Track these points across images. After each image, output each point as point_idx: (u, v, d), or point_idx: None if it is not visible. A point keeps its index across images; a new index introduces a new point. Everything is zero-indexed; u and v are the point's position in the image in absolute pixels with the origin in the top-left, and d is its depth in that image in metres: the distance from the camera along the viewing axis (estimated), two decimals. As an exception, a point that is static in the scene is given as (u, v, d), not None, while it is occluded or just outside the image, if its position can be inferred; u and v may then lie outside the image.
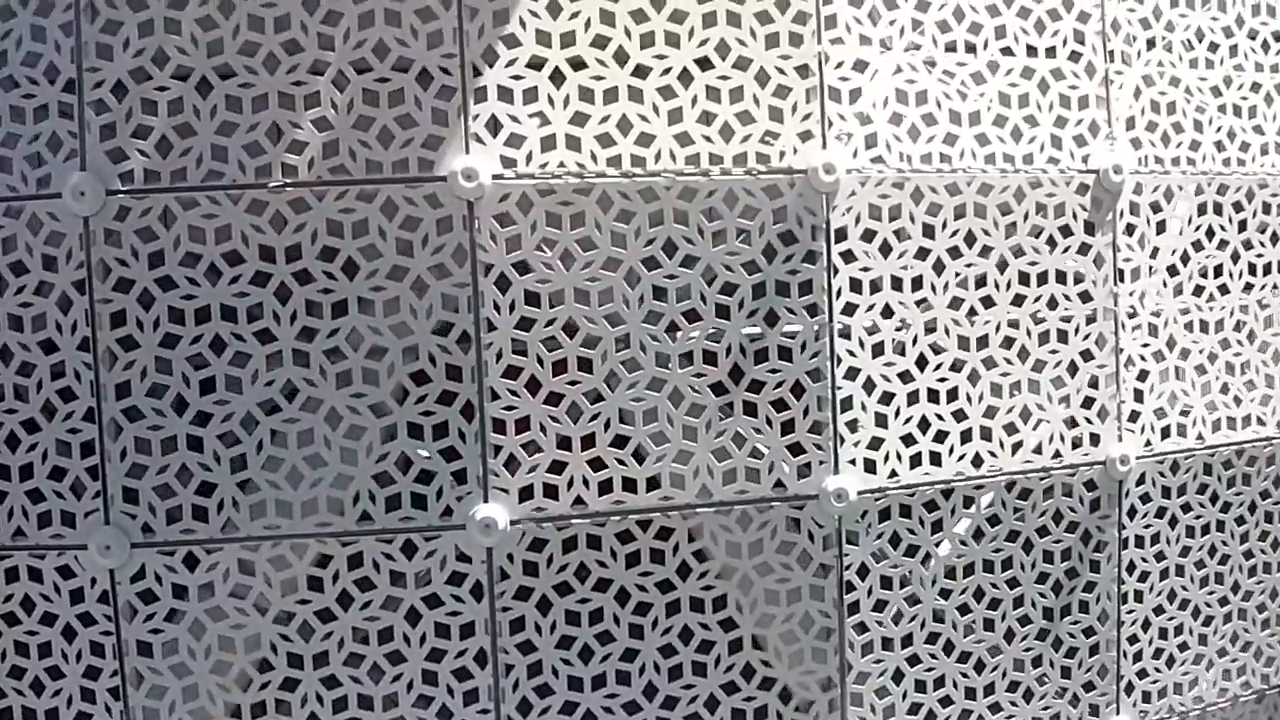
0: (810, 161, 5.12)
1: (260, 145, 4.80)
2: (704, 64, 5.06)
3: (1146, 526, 5.80)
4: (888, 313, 5.29)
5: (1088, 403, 5.65)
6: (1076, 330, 5.60)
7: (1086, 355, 5.63)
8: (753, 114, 5.09)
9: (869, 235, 5.23)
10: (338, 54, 4.83)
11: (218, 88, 4.79)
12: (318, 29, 4.82)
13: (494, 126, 4.91)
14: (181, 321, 4.80)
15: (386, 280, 4.87)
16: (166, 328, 4.80)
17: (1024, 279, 5.50)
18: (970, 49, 5.42)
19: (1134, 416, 5.72)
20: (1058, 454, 5.57)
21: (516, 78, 4.92)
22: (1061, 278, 5.56)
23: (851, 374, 5.22)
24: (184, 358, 4.82)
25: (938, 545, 5.42)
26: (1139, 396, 5.73)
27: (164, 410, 4.82)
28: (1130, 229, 5.69)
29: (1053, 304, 5.57)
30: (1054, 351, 5.56)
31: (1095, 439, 5.63)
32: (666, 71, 5.03)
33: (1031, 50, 5.52)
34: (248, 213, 4.80)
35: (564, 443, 5.00)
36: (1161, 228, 5.78)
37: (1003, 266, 5.46)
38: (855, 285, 5.22)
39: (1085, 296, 5.61)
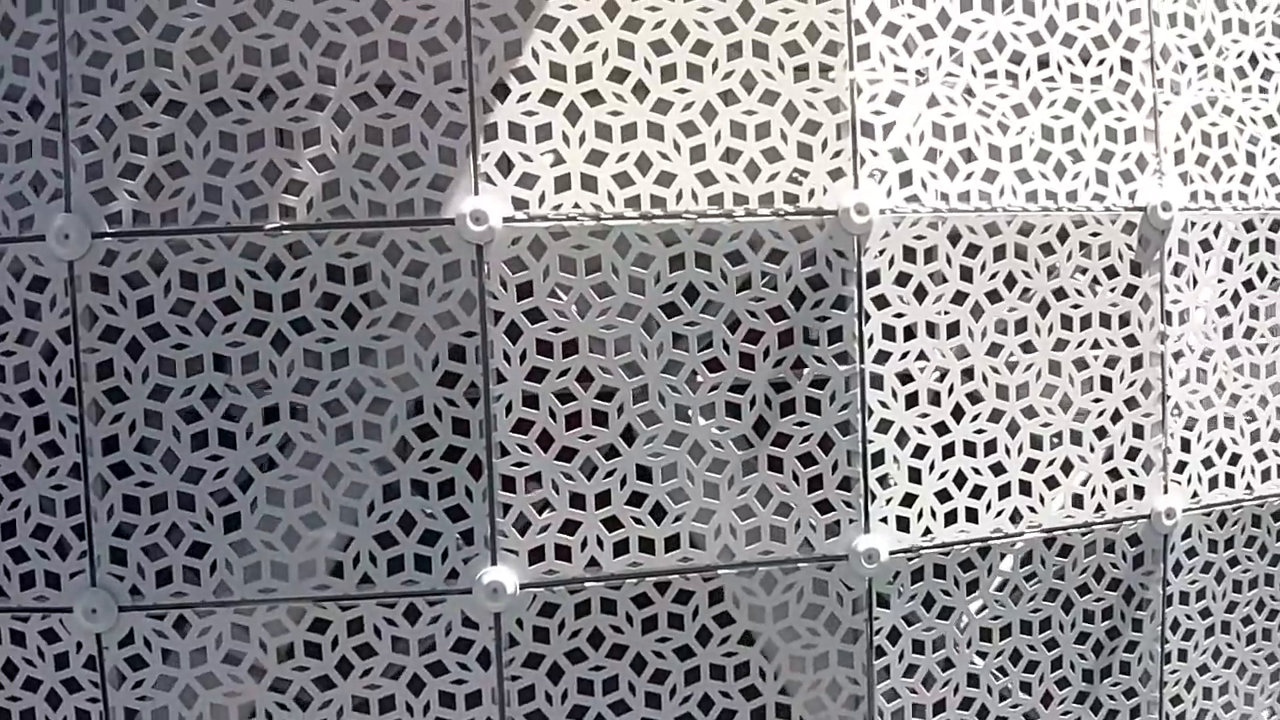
0: (841, 201, 4.81)
1: (256, 185, 4.51)
2: (728, 98, 4.75)
3: (1192, 582, 5.50)
4: (922, 361, 4.98)
5: (1132, 453, 5.33)
6: (1121, 376, 5.29)
7: (1131, 403, 5.32)
8: (780, 151, 4.78)
9: (903, 279, 4.93)
10: (339, 88, 4.53)
11: (211, 124, 4.50)
12: (318, 61, 4.53)
13: (505, 166, 4.61)
14: (172, 372, 4.52)
15: (390, 329, 4.57)
16: (156, 379, 4.51)
17: (1066, 323, 5.19)
18: (1012, 79, 5.10)
19: (1180, 467, 5.40)
20: (1100, 508, 5.26)
21: (529, 114, 4.62)
22: (1106, 321, 5.25)
23: (884, 426, 4.91)
24: (175, 411, 4.53)
25: (973, 606, 5.12)
26: (1185, 446, 5.42)
27: (153, 466, 4.54)
28: (1178, 269, 5.37)
29: (1096, 349, 5.25)
30: (1097, 400, 5.25)
31: (1140, 491, 5.32)
32: (689, 106, 4.72)
33: (1076, 80, 5.20)
34: (243, 257, 4.51)
35: (577, 501, 4.70)
36: (1211, 266, 5.47)
37: (1044, 310, 5.15)
38: (888, 332, 4.91)
39: (1131, 341, 5.29)
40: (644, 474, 4.74)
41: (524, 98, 4.62)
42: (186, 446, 4.53)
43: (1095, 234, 5.22)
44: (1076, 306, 5.20)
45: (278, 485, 4.58)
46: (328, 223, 4.53)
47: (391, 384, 4.57)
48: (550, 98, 4.64)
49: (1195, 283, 5.41)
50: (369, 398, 4.57)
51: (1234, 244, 5.48)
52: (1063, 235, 5.17)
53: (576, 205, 4.65)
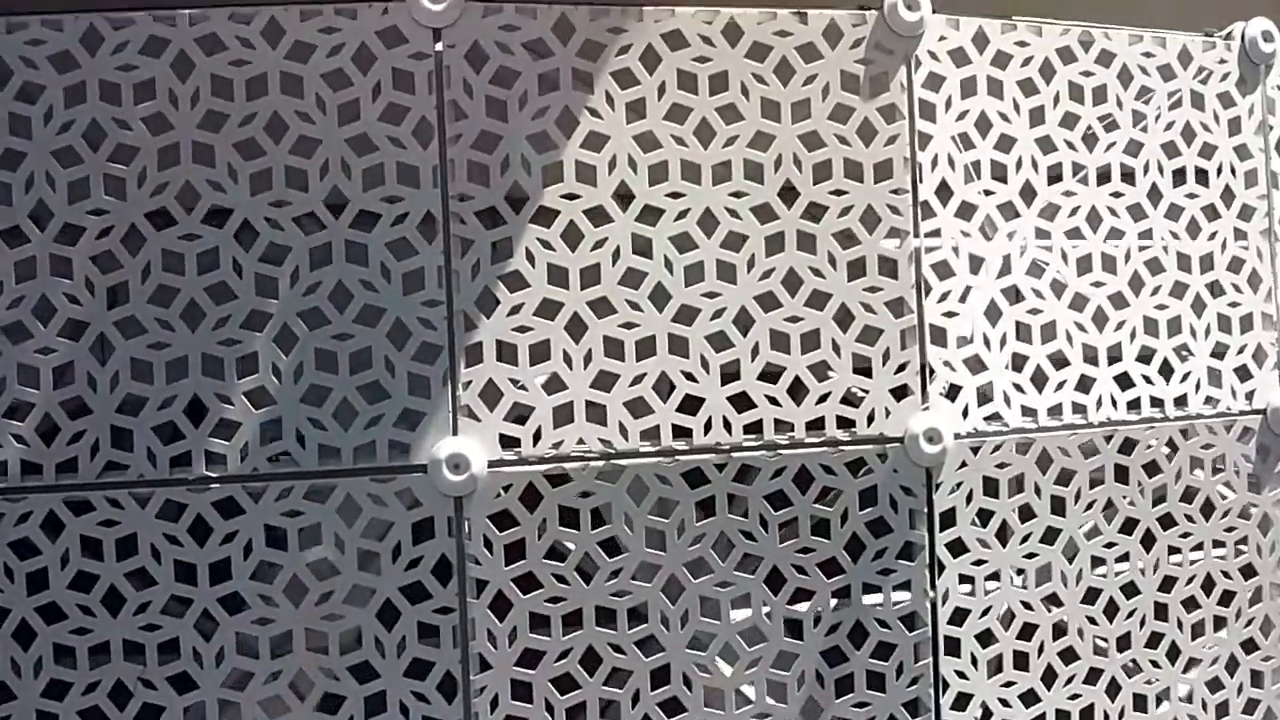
0: (908, 426, 3.89)
1: (177, 427, 3.58)
2: (768, 302, 3.84)
3: None
4: (1007, 617, 4.05)
5: (1250, 706, 4.40)
6: (1238, 615, 4.36)
7: (1249, 646, 4.39)
8: (832, 365, 3.87)
9: (984, 516, 4.00)
10: (282, 301, 3.61)
11: (121, 348, 3.58)
12: (255, 268, 3.61)
13: (492, 395, 3.68)
14: (73, 663, 3.57)
15: (344, 605, 3.63)
16: (52, 671, 3.57)
17: (1174, 554, 4.27)
18: (1109, 265, 4.19)
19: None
20: (1223, 776, 4.34)
21: (522, 329, 3.70)
22: (1219, 549, 4.33)
23: (961, 702, 3.97)
24: (75, 711, 3.58)
25: None
26: (1310, 691, 4.50)
27: (47, 778, 3.59)
28: (1304, 483, 4.46)
29: (1209, 586, 4.33)
30: (1211, 646, 4.33)
31: (1260, 758, 4.41)
32: (719, 314, 3.80)
33: (1183, 260, 4.29)
34: (159, 518, 3.57)
35: (583, 809, 3.76)
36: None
37: (1149, 542, 4.23)
38: (965, 583, 3.98)
39: (1248, 571, 4.37)
40: (665, 776, 3.81)
41: (516, 310, 3.70)
42: (88, 757, 3.59)
43: (1207, 446, 4.30)
44: (1186, 535, 4.28)
45: (205, 802, 3.63)
46: (266, 473, 3.60)
47: (346, 676, 3.63)
48: (548, 309, 3.72)
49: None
50: (318, 694, 3.62)
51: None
52: (1170, 450, 4.26)
53: (580, 441, 3.72)
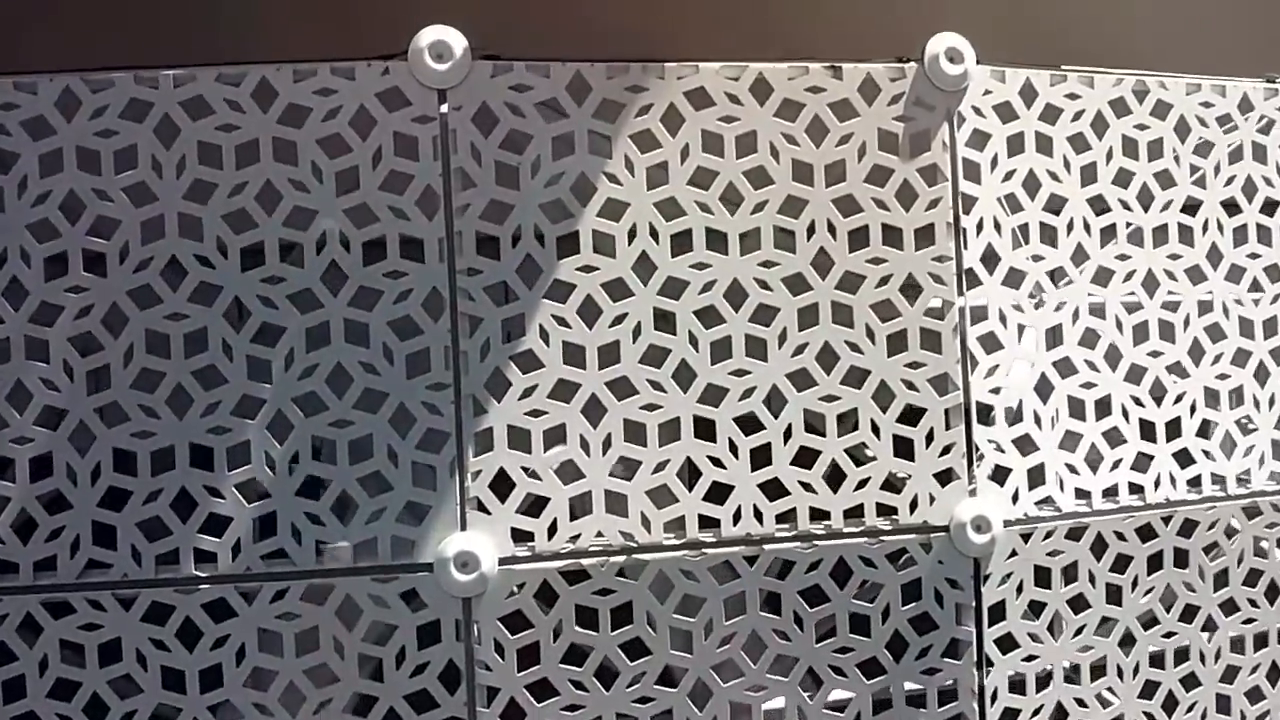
0: (954, 513, 3.60)
1: (163, 523, 3.31)
2: (801, 380, 3.55)
3: None
4: (1059, 716, 3.75)
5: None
6: (1308, 710, 4.07)
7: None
8: (870, 449, 3.58)
9: (1035, 609, 3.71)
10: (277, 387, 3.34)
11: (102, 437, 3.31)
12: (246, 349, 3.34)
13: (503, 486, 3.40)
14: (51, 783, 3.31)
15: (345, 715, 3.35)
16: (29, 794, 3.31)
17: (1237, 646, 3.97)
18: (1167, 333, 3.89)
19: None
20: None
21: (535, 413, 3.42)
22: (1287, 635, 4.05)
23: (1013, 813, 3.69)
24: (53, 833, 3.32)
25: None
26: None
27: None
28: (1376, 561, 4.15)
29: (1275, 676, 4.03)
30: (1283, 754, 4.04)
31: None
32: (748, 394, 3.52)
33: (1246, 326, 4.00)
34: (145, 621, 3.29)
35: None
36: None
37: (1209, 628, 3.93)
38: (1017, 685, 3.68)
39: (1319, 658, 4.07)
40: None
41: (529, 392, 3.42)
42: None
43: (1273, 525, 4.00)
44: (1250, 621, 3.98)
45: None
46: (260, 573, 3.32)
47: (345, 801, 3.35)
48: (564, 390, 3.44)
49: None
50: (313, 819, 3.35)
51: None
52: (1230, 532, 3.96)
53: (599, 535, 3.44)
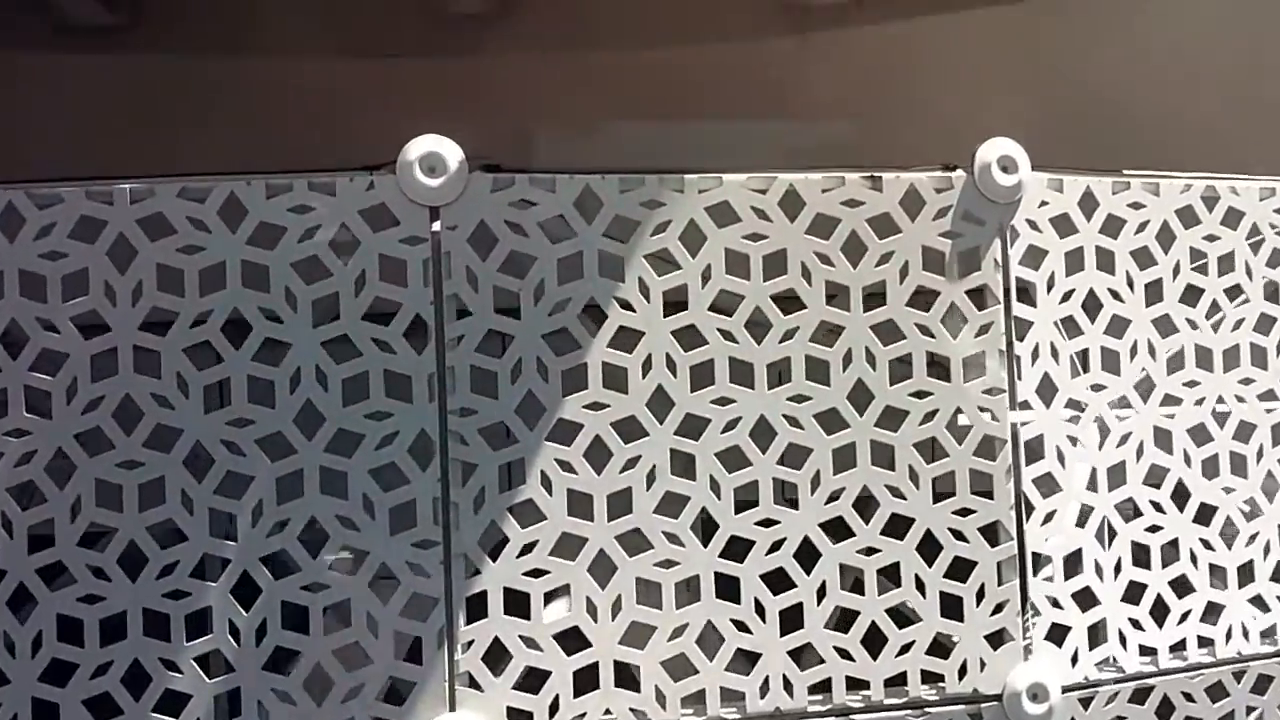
0: (1007, 681, 3.20)
1: (113, 700, 2.90)
2: (837, 531, 3.16)
3: None
4: None
5: None
6: None
7: None
8: (915, 607, 3.18)
9: (1095, 783, 3.32)
10: (243, 544, 2.93)
11: (45, 602, 2.90)
12: (209, 502, 2.94)
13: (497, 658, 3.00)
14: None
15: None
16: None
17: (1318, 812, 3.58)
18: (1239, 467, 3.50)
19: None
20: None
21: (536, 573, 3.02)
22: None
23: None
24: None
25: None
26: None
27: None
28: None
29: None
30: None
31: None
32: (777, 546, 3.12)
33: (1319, 456, 3.61)
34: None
35: None
36: None
37: (1287, 791, 3.54)
38: None
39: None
40: None
41: (528, 549, 3.02)
42: None
43: (1351, 677, 3.61)
44: (1330, 780, 3.59)
45: None
46: (225, 758, 2.93)
47: None
48: (568, 546, 3.04)
49: None
50: None
51: None
52: (1312, 685, 3.57)
53: (608, 712, 3.04)
